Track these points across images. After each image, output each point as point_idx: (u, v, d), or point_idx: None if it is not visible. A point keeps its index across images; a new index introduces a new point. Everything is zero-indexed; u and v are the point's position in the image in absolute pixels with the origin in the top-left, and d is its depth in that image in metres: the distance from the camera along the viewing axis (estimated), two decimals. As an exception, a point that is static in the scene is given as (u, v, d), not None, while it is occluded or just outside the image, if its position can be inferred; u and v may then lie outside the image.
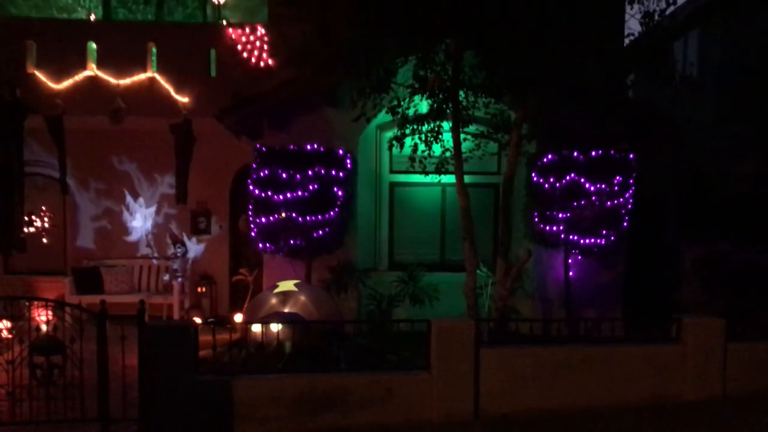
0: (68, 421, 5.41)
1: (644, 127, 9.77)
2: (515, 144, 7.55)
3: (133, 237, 12.01)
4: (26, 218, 11.68)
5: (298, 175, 9.37)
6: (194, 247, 11.97)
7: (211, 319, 9.75)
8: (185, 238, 11.88)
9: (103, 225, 12.00)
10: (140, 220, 12.01)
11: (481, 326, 7.21)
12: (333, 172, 9.48)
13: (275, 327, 7.14)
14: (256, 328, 7.23)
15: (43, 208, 11.85)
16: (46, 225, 11.88)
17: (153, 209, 12.02)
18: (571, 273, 9.81)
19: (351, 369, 5.92)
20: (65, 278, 11.26)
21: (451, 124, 7.72)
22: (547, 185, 9.49)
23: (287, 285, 8.24)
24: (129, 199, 11.99)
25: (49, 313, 6.29)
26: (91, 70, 10.35)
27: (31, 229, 11.79)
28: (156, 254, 11.96)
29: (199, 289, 11.80)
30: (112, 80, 10.27)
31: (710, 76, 13.48)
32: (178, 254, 11.65)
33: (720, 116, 13.20)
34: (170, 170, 11.08)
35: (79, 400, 5.40)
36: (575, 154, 9.54)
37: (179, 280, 11.38)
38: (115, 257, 11.92)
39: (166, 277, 11.55)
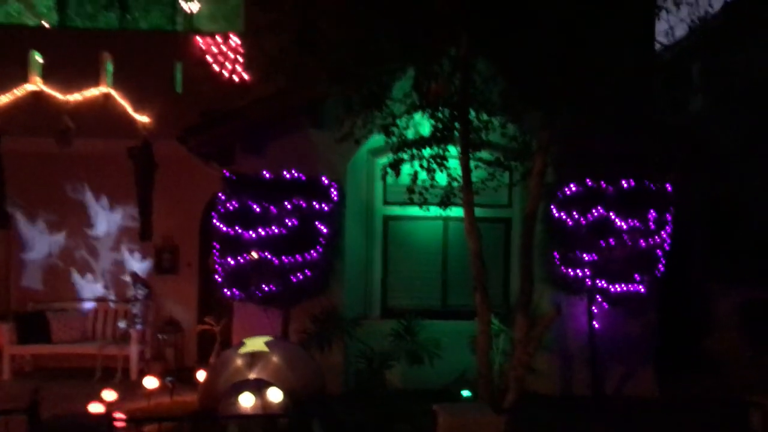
0: None
1: (678, 152, 8.39)
2: (539, 172, 6.10)
3: (87, 276, 10.46)
4: (-38, 254, 10.20)
5: (273, 208, 7.90)
6: (158, 288, 10.42)
7: (169, 378, 8.16)
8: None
9: (53, 262, 10.44)
10: (96, 256, 10.47)
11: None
12: (316, 205, 8.01)
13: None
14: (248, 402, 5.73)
15: (-18, 242, 10.34)
16: (-14, 262, 10.36)
17: (111, 244, 10.49)
18: (595, 324, 8.34)
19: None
20: (6, 324, 9.65)
21: (459, 149, 6.26)
22: (570, 221, 8.06)
23: (256, 343, 6.70)
24: (84, 232, 10.46)
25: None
26: (35, 83, 8.89)
27: (-32, 267, 10.27)
28: (113, 296, 10.40)
29: (161, 337, 10.24)
30: (60, 96, 8.80)
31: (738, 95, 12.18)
32: (139, 296, 10.10)
33: (750, 140, 11.86)
34: (131, 200, 9.60)
35: None
36: (603, 184, 8.12)
37: (138, 326, 9.81)
38: (65, 299, 10.34)
39: (123, 324, 9.97)
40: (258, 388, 5.97)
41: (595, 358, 8.32)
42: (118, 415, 6.24)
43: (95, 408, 6.74)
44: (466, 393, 7.44)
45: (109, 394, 7.02)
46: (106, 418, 4.00)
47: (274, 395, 5.90)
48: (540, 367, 7.74)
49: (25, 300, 10.27)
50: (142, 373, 9.38)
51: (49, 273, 10.43)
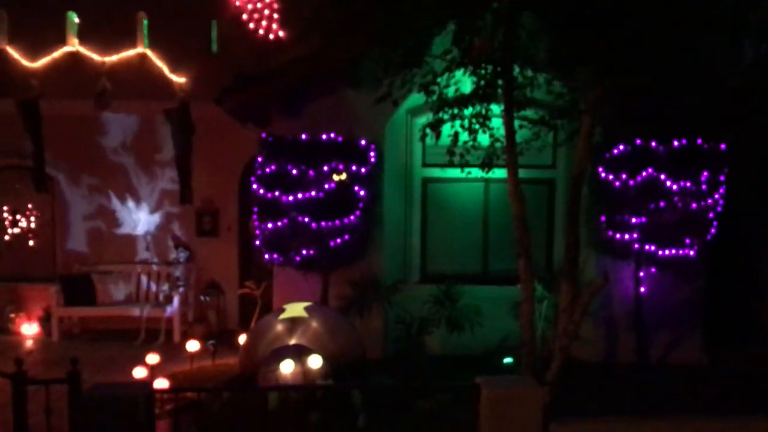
0: None
1: (734, 110, 7.92)
2: (587, 132, 5.78)
3: (129, 239, 10.53)
4: (9, 217, 10.37)
5: (311, 171, 7.74)
6: (199, 251, 10.45)
7: (211, 341, 8.21)
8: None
9: (96, 225, 10.53)
10: (138, 219, 10.52)
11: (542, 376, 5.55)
12: (354, 168, 7.82)
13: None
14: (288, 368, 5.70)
15: (30, 206, 10.48)
16: (33, 225, 10.51)
17: (152, 207, 10.52)
18: (642, 288, 8.06)
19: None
20: (53, 286, 9.82)
21: (502, 108, 5.97)
22: (617, 183, 7.72)
23: (296, 309, 6.63)
24: (126, 195, 10.51)
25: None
26: (72, 45, 8.80)
27: (16, 230, 10.45)
28: (156, 259, 10.47)
29: (203, 300, 10.31)
30: (97, 57, 8.72)
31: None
32: (181, 259, 10.17)
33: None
34: (171, 163, 9.52)
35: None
36: (653, 144, 7.74)
37: (180, 289, 9.89)
38: (109, 262, 10.44)
39: (165, 287, 10.06)
40: (298, 354, 5.92)
41: (641, 324, 8.07)
42: (159, 384, 6.29)
43: (139, 372, 6.82)
44: (507, 360, 7.29)
45: (153, 358, 7.08)
46: (147, 389, 3.94)
47: (314, 362, 5.84)
48: (583, 334, 7.48)
49: (70, 263, 10.41)
50: (185, 336, 9.49)
51: (93, 236, 10.52)
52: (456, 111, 6.27)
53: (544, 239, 8.83)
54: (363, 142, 7.96)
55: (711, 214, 7.85)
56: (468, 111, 6.29)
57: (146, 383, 4.56)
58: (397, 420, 5.33)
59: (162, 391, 5.70)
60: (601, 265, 8.01)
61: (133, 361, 7.83)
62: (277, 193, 7.72)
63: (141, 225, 10.51)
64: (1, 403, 4.08)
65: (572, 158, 8.32)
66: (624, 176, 7.70)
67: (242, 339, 7.55)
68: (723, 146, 7.82)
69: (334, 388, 5.88)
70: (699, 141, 7.77)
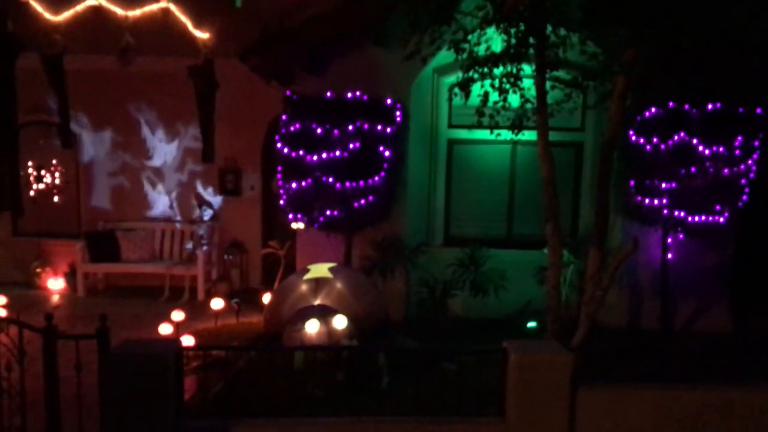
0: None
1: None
2: (620, 94, 5.58)
3: (153, 197, 10.56)
4: (34, 173, 10.43)
5: (335, 131, 7.64)
6: (222, 210, 10.46)
7: (235, 300, 8.24)
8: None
9: (119, 182, 10.57)
10: (161, 177, 10.53)
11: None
12: (379, 127, 7.71)
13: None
14: (313, 328, 5.72)
15: (54, 162, 10.52)
16: (57, 181, 10.57)
17: (175, 165, 10.51)
18: (669, 255, 7.94)
19: (392, 414, 4.21)
20: (78, 243, 9.91)
21: (534, 68, 5.80)
22: (648, 147, 7.55)
23: (320, 270, 6.61)
24: (149, 153, 10.51)
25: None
26: (95, -1, 8.68)
27: (41, 186, 10.52)
28: (179, 217, 10.50)
29: (227, 258, 10.37)
30: (120, 12, 8.58)
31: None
32: (204, 218, 10.19)
33: None
34: (194, 121, 9.44)
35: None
36: (686, 107, 7.53)
37: (205, 248, 9.94)
38: (133, 219, 10.51)
39: (189, 245, 10.10)
40: (323, 314, 5.92)
41: (667, 290, 7.97)
42: (186, 341, 6.34)
43: (165, 329, 6.88)
44: (531, 324, 7.25)
45: (178, 315, 7.13)
46: (176, 346, 3.96)
47: (339, 322, 5.84)
48: (608, 300, 7.35)
49: (94, 219, 10.49)
50: (209, 294, 9.57)
51: (117, 193, 10.57)
52: (486, 70, 6.09)
53: (570, 203, 8.73)
54: (389, 101, 7.84)
55: (743, 181, 7.67)
56: (498, 70, 6.11)
57: (175, 341, 4.57)
58: (421, 381, 5.32)
59: (190, 349, 5.76)
60: (628, 231, 7.91)
61: (158, 317, 7.92)
62: (301, 153, 7.65)
63: (164, 183, 10.51)
64: (31, 355, 4.11)
65: (602, 121, 8.18)
66: (655, 140, 7.53)
67: (266, 298, 7.59)
68: (759, 110, 7.59)
69: (360, 349, 5.88)
70: (734, 105, 7.54)
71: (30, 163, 10.44)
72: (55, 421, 3.94)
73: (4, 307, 7.65)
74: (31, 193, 10.44)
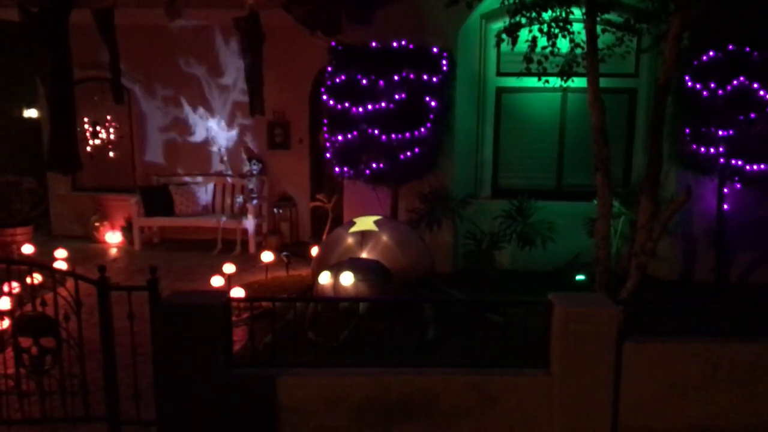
0: (69, 420, 4.15)
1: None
2: (675, 36, 5.34)
3: (204, 151, 10.72)
4: (90, 129, 10.69)
5: (381, 81, 7.56)
6: (271, 164, 10.57)
7: (285, 253, 8.35)
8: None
9: (171, 137, 10.76)
10: (212, 131, 10.67)
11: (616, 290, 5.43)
12: (425, 77, 7.59)
13: (347, 280, 5.63)
14: (324, 280, 5.78)
15: (108, 117, 10.76)
16: (112, 137, 10.82)
17: (225, 119, 10.62)
18: (725, 205, 7.69)
19: (439, 364, 4.24)
20: (133, 197, 10.19)
21: (583, 11, 5.59)
22: (705, 92, 7.23)
23: (366, 222, 6.64)
24: (199, 107, 10.63)
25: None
26: (142, -47, 8.71)
27: (96, 142, 10.79)
28: (230, 171, 10.66)
29: (276, 212, 10.52)
30: (166, -34, 8.60)
31: None
32: (254, 172, 10.31)
33: None
34: (243, 74, 9.47)
35: (82, 394, 4.12)
36: (747, 49, 7.17)
37: (255, 201, 10.09)
38: (185, 174, 10.72)
39: (240, 199, 10.27)
40: (339, 269, 5.90)
41: (723, 242, 7.75)
42: (236, 293, 6.51)
43: (216, 281, 7.07)
44: (579, 277, 7.17)
45: (229, 267, 7.30)
46: (224, 297, 4.06)
47: (346, 279, 5.84)
48: (660, 251, 7.26)
49: (148, 174, 10.75)
50: (260, 247, 9.75)
51: (169, 147, 10.77)
52: (534, 14, 5.91)
53: (623, 153, 8.50)
54: (435, 49, 7.70)
55: (807, 126, 7.30)
56: (547, 14, 5.92)
57: (223, 292, 4.69)
58: (466, 333, 5.35)
59: (238, 300, 5.92)
60: (682, 180, 7.67)
61: (210, 270, 8.14)
62: (347, 105, 7.61)
63: (214, 137, 10.65)
64: (89, 306, 4.29)
65: (656, 66, 7.88)
66: (713, 85, 7.21)
67: (314, 251, 7.69)
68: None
69: (407, 300, 5.92)
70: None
71: (86, 119, 10.69)
72: (111, 369, 4.12)
73: (64, 260, 7.95)
74: (88, 148, 10.72)
